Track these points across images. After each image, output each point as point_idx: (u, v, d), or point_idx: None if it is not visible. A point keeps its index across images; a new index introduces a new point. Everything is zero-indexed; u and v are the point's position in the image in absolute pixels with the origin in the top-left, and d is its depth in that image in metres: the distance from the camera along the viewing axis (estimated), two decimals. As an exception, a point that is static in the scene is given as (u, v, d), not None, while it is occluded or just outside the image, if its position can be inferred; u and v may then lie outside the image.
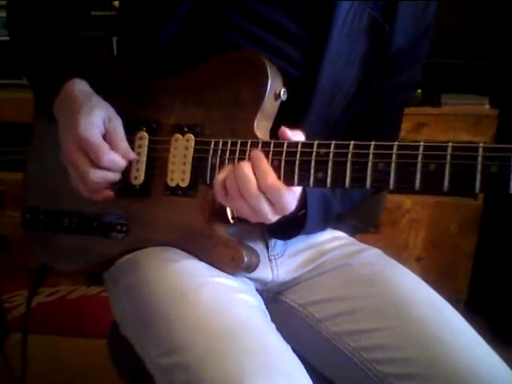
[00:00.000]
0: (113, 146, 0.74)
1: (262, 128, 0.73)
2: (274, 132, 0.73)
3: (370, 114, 0.87)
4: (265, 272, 0.84)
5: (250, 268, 0.74)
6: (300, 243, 0.87)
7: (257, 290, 0.81)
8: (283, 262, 0.86)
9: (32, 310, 1.09)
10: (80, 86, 0.77)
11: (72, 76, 0.77)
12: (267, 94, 0.71)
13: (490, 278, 1.93)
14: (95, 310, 1.88)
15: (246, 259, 0.72)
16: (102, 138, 0.73)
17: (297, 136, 0.67)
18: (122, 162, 0.75)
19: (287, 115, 0.74)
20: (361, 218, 1.09)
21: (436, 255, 1.99)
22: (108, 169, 0.74)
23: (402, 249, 1.98)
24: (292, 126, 0.71)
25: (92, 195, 0.77)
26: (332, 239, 0.89)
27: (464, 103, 1.89)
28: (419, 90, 1.94)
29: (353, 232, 0.96)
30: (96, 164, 0.72)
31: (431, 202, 1.95)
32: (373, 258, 0.84)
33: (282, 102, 0.73)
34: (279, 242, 0.86)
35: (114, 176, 0.75)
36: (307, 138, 0.68)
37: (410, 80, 0.89)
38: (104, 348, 1.01)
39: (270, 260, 0.85)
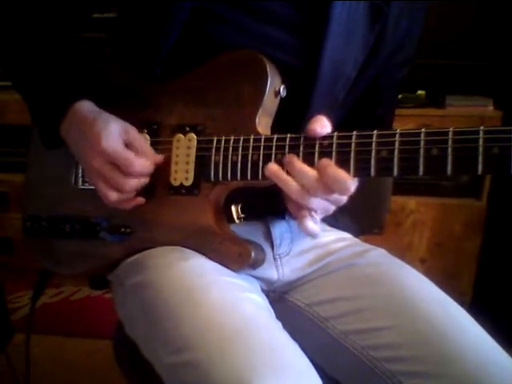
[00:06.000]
0: (139, 154, 0.75)
1: (263, 124, 0.74)
2: (275, 127, 0.74)
3: (367, 94, 0.88)
4: (270, 271, 0.84)
5: (257, 264, 0.74)
6: (305, 243, 0.87)
7: (263, 290, 0.82)
8: (289, 260, 0.86)
9: (36, 310, 1.08)
10: (87, 106, 0.77)
11: (77, 98, 0.77)
12: (267, 91, 0.72)
13: (494, 279, 1.92)
14: (99, 311, 1.89)
15: (253, 255, 0.72)
16: (125, 147, 0.74)
17: (324, 128, 0.66)
18: (151, 166, 0.75)
19: (292, 105, 0.75)
20: (364, 220, 1.09)
21: (440, 256, 1.99)
22: (139, 175, 0.74)
23: (406, 250, 1.98)
24: (298, 116, 0.72)
25: (125, 205, 0.77)
26: (337, 240, 0.89)
27: (468, 105, 1.89)
28: (423, 92, 1.95)
29: (357, 233, 0.96)
30: (127, 173, 0.73)
31: (435, 204, 1.95)
32: (379, 257, 0.84)
33: (286, 93, 0.74)
34: (285, 241, 0.86)
35: (145, 181, 0.76)
36: None
37: (406, 58, 0.90)
38: (108, 348, 1.01)
39: (275, 259, 0.85)
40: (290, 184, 0.66)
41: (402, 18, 0.83)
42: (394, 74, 0.90)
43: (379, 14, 0.81)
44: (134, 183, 0.75)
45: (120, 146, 0.73)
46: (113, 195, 0.75)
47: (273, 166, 0.68)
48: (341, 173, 0.64)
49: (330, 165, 0.64)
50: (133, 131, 0.76)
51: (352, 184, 0.64)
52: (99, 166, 0.73)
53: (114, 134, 0.73)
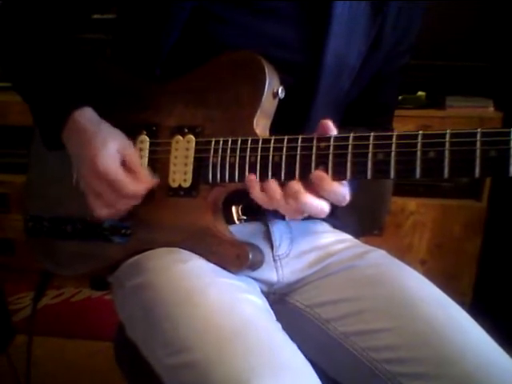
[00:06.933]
0: (132, 174, 0.75)
1: (261, 126, 0.74)
2: (279, 127, 0.74)
3: (371, 84, 0.89)
4: (269, 272, 0.84)
5: (255, 266, 0.74)
6: (306, 244, 0.87)
7: (263, 292, 0.82)
8: (288, 262, 0.86)
9: (37, 312, 1.09)
10: (87, 116, 0.77)
11: (76, 106, 0.78)
12: (265, 92, 0.72)
13: (494, 280, 1.92)
14: (99, 313, 1.89)
15: (251, 257, 0.72)
16: (120, 168, 0.74)
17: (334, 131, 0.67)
18: (143, 191, 0.76)
19: (296, 104, 0.75)
20: (365, 221, 1.09)
21: (440, 258, 1.98)
22: (131, 198, 0.75)
23: (406, 251, 1.98)
24: (302, 114, 0.73)
25: (112, 216, 0.78)
26: (338, 241, 0.89)
27: (468, 106, 1.89)
28: (423, 93, 1.95)
29: (357, 235, 0.96)
30: (120, 194, 0.74)
31: (435, 205, 1.95)
32: (379, 258, 0.84)
33: (291, 91, 0.74)
34: (284, 243, 0.86)
35: (137, 201, 0.77)
36: (318, 118, 0.68)
37: (408, 47, 0.91)
38: (108, 350, 1.01)
39: (274, 260, 0.85)
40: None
41: (404, 10, 0.84)
42: (395, 63, 0.91)
43: (380, 6, 0.81)
44: (126, 204, 0.76)
45: (115, 166, 0.74)
46: (103, 211, 0.76)
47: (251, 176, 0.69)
48: (336, 186, 0.65)
49: (325, 178, 0.65)
50: (130, 150, 0.77)
51: (347, 193, 0.66)
52: (93, 182, 0.74)
53: (111, 153, 0.74)
